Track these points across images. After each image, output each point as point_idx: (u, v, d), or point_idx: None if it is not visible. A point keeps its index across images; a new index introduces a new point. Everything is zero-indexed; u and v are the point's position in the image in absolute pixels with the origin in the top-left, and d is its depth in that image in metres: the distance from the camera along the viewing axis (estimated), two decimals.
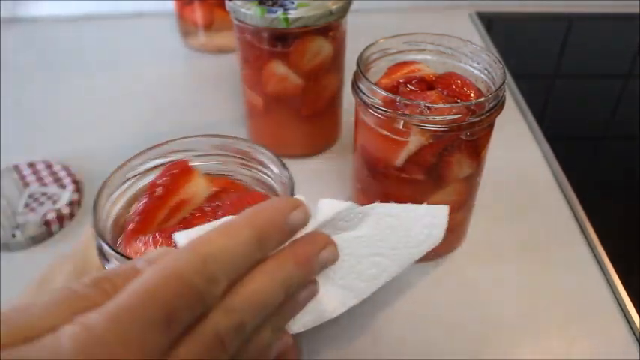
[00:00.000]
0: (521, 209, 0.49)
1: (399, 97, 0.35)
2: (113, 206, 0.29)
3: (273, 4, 0.45)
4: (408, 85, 0.39)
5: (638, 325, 0.39)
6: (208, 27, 0.67)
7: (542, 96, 0.68)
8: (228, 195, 0.30)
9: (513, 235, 0.46)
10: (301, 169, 0.51)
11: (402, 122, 0.35)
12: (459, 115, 0.35)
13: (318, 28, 0.45)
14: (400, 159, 0.37)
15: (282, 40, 0.42)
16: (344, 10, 0.46)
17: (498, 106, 0.36)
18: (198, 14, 0.67)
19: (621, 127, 0.64)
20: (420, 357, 0.37)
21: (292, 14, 0.43)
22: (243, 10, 0.44)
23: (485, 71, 0.40)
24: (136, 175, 0.30)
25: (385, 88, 0.38)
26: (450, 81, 0.39)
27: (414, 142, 0.36)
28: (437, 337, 0.39)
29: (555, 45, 0.76)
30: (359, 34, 0.55)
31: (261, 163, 0.32)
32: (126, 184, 0.30)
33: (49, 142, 0.56)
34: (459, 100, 0.37)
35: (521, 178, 0.52)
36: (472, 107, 0.35)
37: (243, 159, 0.32)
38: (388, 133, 0.37)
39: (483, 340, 0.39)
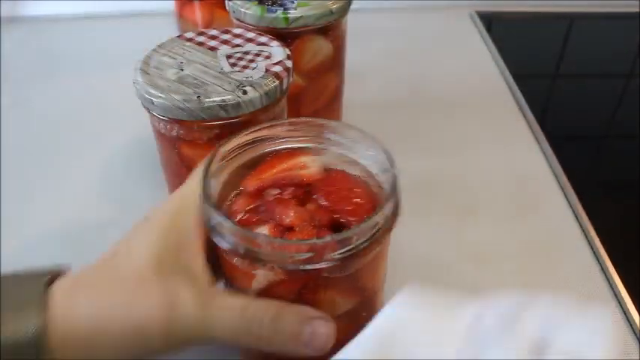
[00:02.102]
0: (521, 209, 0.49)
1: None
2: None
3: (273, 4, 0.45)
4: (279, 190, 0.31)
5: (638, 325, 0.39)
6: (208, 26, 0.67)
7: (542, 96, 0.68)
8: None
9: (513, 235, 0.46)
10: None
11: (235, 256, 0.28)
12: (311, 254, 0.26)
13: (318, 28, 0.45)
14: (252, 291, 0.29)
15: (281, 40, 0.42)
16: (344, 10, 0.46)
17: (380, 233, 0.27)
18: (198, 14, 0.66)
19: (622, 126, 0.64)
20: None
21: (292, 14, 0.43)
22: (242, 9, 0.44)
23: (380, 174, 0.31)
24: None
25: (252, 192, 0.31)
26: (333, 188, 0.30)
27: (262, 276, 0.28)
28: None
29: (555, 45, 0.76)
30: (359, 34, 0.55)
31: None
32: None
33: (48, 141, 0.56)
34: (340, 217, 0.29)
35: (521, 178, 0.52)
36: (332, 244, 0.26)
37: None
38: (234, 259, 0.28)
39: None
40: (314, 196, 0.31)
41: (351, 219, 0.29)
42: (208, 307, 0.27)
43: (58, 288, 0.27)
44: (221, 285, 0.31)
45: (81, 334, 0.26)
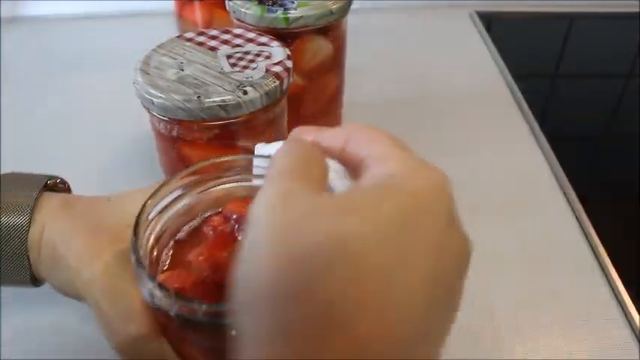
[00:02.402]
0: (521, 209, 0.49)
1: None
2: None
3: (273, 4, 0.45)
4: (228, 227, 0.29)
5: (638, 325, 0.39)
6: (208, 26, 0.67)
7: (542, 96, 0.68)
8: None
9: (513, 235, 0.46)
10: None
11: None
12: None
13: (318, 28, 0.45)
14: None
15: (282, 40, 0.42)
16: (344, 10, 0.46)
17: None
18: (197, 14, 0.66)
19: (622, 126, 0.64)
20: None
21: (292, 14, 0.43)
22: (243, 9, 0.44)
23: None
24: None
25: (225, 216, 0.30)
26: None
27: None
28: None
29: (555, 45, 0.76)
30: (359, 34, 0.55)
31: None
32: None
33: (48, 141, 0.56)
34: None
35: (521, 178, 0.52)
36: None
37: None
38: None
39: (483, 340, 0.39)
40: None
41: None
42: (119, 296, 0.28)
43: (51, 200, 0.31)
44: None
45: (48, 246, 0.30)
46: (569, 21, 0.81)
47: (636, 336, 0.39)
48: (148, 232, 0.27)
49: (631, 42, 0.77)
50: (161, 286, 0.24)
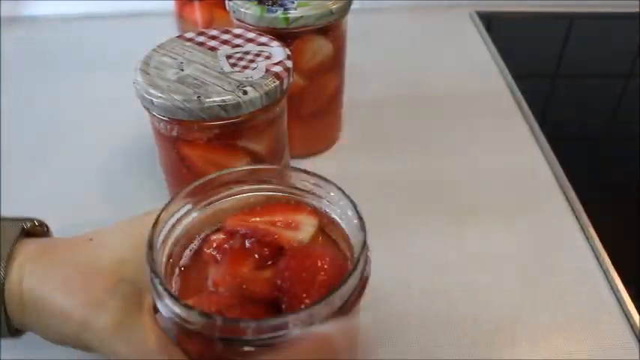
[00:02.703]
0: (521, 209, 0.49)
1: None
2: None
3: (273, 4, 0.45)
4: (243, 241, 0.28)
5: (638, 325, 0.39)
6: (208, 26, 0.67)
7: (542, 96, 0.68)
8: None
9: (513, 235, 0.46)
10: None
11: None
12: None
13: (318, 28, 0.45)
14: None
15: (281, 40, 0.42)
16: (344, 10, 0.46)
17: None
18: (197, 14, 0.66)
19: (622, 126, 0.64)
20: (419, 357, 0.37)
21: (292, 14, 0.43)
22: (243, 9, 0.44)
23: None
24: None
25: (229, 231, 0.29)
26: (302, 267, 0.26)
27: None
28: (436, 337, 0.39)
29: (555, 45, 0.76)
30: (359, 34, 0.55)
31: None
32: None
33: (48, 140, 0.56)
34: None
35: (520, 178, 0.52)
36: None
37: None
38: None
39: (483, 341, 0.39)
40: (278, 264, 0.27)
41: (290, 313, 0.24)
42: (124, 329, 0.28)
43: (29, 249, 0.30)
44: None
45: (32, 298, 0.28)
46: (569, 21, 0.81)
47: (636, 336, 0.39)
48: (159, 259, 0.26)
49: (631, 42, 0.77)
50: (202, 312, 0.23)
